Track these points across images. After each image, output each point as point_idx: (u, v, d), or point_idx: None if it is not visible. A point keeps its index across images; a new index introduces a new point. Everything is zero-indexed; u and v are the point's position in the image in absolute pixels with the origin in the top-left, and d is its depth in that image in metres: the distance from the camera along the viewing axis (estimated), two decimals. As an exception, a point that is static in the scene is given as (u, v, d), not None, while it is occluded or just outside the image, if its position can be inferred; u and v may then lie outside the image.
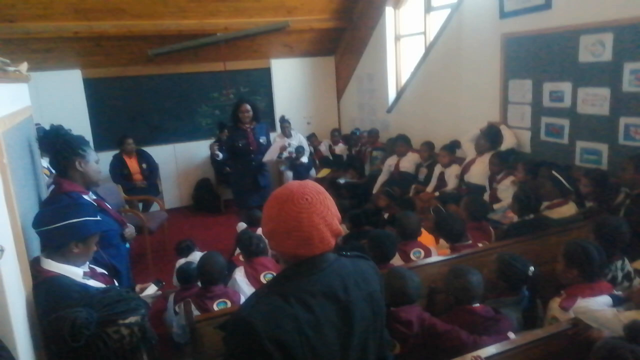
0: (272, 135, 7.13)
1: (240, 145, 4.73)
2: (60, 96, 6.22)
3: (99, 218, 2.18)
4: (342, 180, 6.46)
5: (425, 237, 3.46)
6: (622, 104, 3.60)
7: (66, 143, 2.61)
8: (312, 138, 7.57)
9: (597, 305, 2.11)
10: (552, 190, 3.74)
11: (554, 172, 3.74)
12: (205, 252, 3.57)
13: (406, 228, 3.29)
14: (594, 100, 3.81)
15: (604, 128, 3.76)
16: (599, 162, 3.82)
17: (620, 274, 2.71)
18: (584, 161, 3.96)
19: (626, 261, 2.76)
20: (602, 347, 1.57)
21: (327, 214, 1.23)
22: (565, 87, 4.04)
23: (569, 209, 3.65)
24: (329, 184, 6.28)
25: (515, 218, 3.60)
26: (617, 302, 2.18)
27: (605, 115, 3.73)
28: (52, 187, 2.71)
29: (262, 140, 4.91)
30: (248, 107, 4.76)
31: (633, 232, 2.78)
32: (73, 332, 0.97)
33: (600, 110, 3.77)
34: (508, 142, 4.56)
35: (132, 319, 1.06)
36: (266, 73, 7.50)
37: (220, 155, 4.72)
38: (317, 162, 7.42)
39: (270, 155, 5.03)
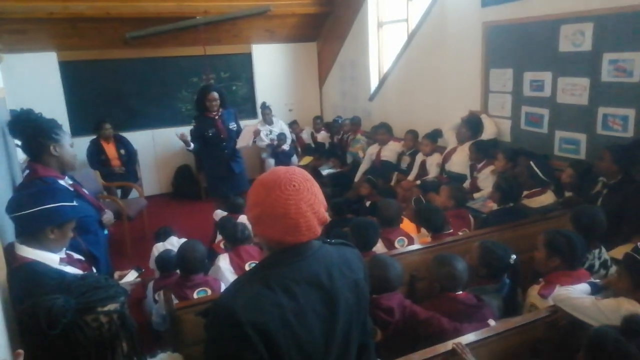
0: (254, 122, 7.10)
1: (210, 134, 4.63)
2: (35, 79, 6.05)
3: (75, 203, 2.13)
4: (324, 172, 6.44)
5: (407, 225, 3.47)
6: (601, 94, 3.64)
7: (39, 127, 2.54)
8: (293, 125, 7.52)
9: (576, 293, 2.14)
10: (529, 179, 3.79)
11: (531, 162, 3.79)
12: (184, 239, 3.54)
13: (387, 215, 3.30)
14: (574, 90, 3.85)
15: (582, 118, 3.81)
16: (577, 151, 3.87)
17: (597, 262, 2.76)
18: (562, 150, 4.01)
19: (603, 250, 2.81)
20: (590, 335, 1.61)
21: (314, 202, 1.21)
22: (546, 76, 4.07)
23: (547, 198, 3.70)
24: (311, 172, 6.25)
25: (495, 207, 3.64)
26: (595, 289, 2.21)
27: (584, 105, 3.77)
28: (27, 172, 2.63)
29: (232, 126, 4.83)
30: (216, 95, 4.62)
31: (609, 222, 2.83)
32: (49, 320, 0.95)
33: (579, 100, 3.81)
34: (489, 131, 4.59)
35: (111, 307, 1.04)
36: (247, 58, 7.40)
37: (192, 145, 4.61)
38: (299, 149, 7.40)
39: (244, 141, 4.96)
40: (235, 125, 4.89)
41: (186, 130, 6.70)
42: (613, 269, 2.77)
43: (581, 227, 2.66)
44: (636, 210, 3.15)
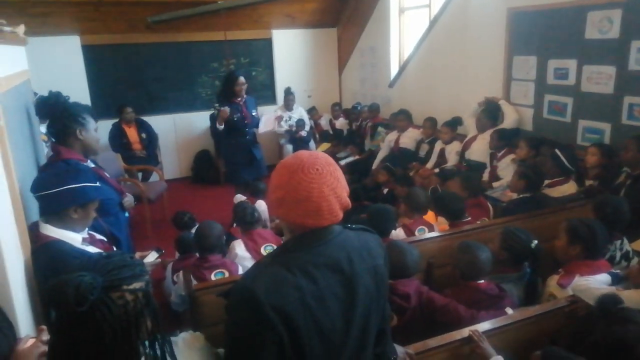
0: (273, 107, 7.11)
1: (235, 119, 4.66)
2: (58, 62, 6.11)
3: (98, 185, 2.17)
4: (342, 161, 6.41)
5: (429, 215, 3.46)
6: (628, 83, 3.55)
7: (66, 110, 2.57)
8: (312, 111, 7.50)
9: (597, 284, 2.12)
10: (553, 168, 3.73)
11: (556, 150, 3.72)
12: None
13: (416, 203, 3.30)
14: (599, 79, 3.76)
15: (607, 107, 3.73)
16: (601, 141, 3.79)
17: (618, 254, 2.72)
18: (585, 140, 3.93)
19: (625, 241, 2.77)
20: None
21: (337, 186, 1.21)
22: (570, 64, 3.98)
23: (569, 188, 3.64)
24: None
25: (515, 196, 3.60)
26: (616, 280, 2.18)
27: (610, 93, 3.69)
28: (50, 154, 2.68)
29: (254, 113, 4.88)
30: (244, 79, 4.68)
31: (633, 213, 2.78)
32: (77, 297, 0.96)
33: (604, 88, 3.73)
34: (510, 118, 4.52)
35: (136, 285, 1.05)
36: (267, 44, 7.38)
37: (222, 126, 4.62)
38: (317, 136, 7.39)
39: (267, 126, 4.98)
40: (255, 112, 4.93)
41: (207, 114, 6.83)
42: (635, 260, 2.73)
43: (604, 217, 2.62)
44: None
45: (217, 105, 4.78)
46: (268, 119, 5.03)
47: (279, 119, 5.92)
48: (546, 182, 3.67)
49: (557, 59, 4.10)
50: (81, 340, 1.01)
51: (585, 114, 3.93)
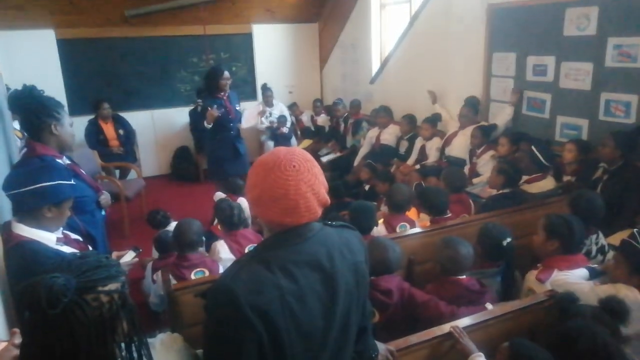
0: (253, 104, 7.06)
1: (219, 114, 4.61)
2: (32, 57, 5.96)
3: (73, 182, 2.11)
4: (324, 159, 6.40)
5: (410, 211, 3.46)
6: (604, 79, 3.61)
7: (41, 105, 2.51)
8: (293, 108, 7.47)
9: (575, 278, 2.15)
10: (530, 164, 3.78)
11: (532, 147, 3.77)
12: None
13: (397, 200, 3.29)
14: (577, 75, 3.81)
15: (585, 103, 3.78)
16: (579, 137, 3.84)
17: (594, 248, 2.77)
18: (563, 136, 3.99)
19: (600, 235, 2.82)
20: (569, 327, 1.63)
21: (314, 183, 1.20)
22: (549, 60, 4.03)
23: (547, 184, 3.70)
24: (311, 155, 6.24)
25: (494, 192, 3.63)
26: (594, 274, 2.22)
27: (587, 90, 3.74)
28: (24, 150, 2.61)
29: (238, 107, 4.84)
30: (228, 74, 4.64)
31: (609, 208, 2.83)
32: (50, 299, 0.93)
33: (582, 85, 3.78)
34: (505, 117, 4.48)
35: (111, 286, 1.02)
36: (247, 39, 7.31)
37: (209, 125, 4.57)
38: (299, 132, 7.36)
39: (250, 121, 4.94)
40: (239, 106, 4.88)
41: (186, 110, 6.76)
42: (610, 254, 2.77)
43: (579, 212, 2.66)
44: (636, 197, 3.15)
45: (199, 100, 4.71)
46: (250, 114, 4.99)
47: (262, 113, 5.88)
48: (524, 178, 3.71)
49: (536, 56, 4.15)
50: (54, 343, 0.98)
51: (564, 110, 3.99)
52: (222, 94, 4.62)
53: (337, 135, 6.81)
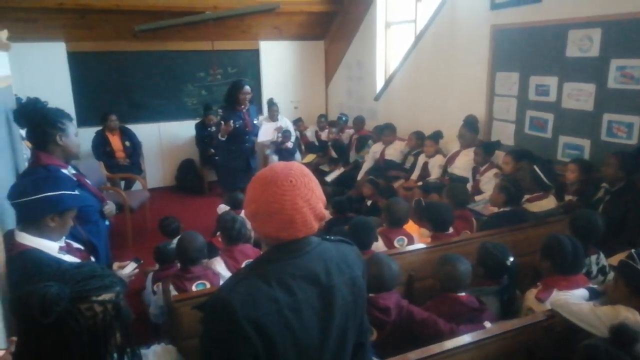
0: (260, 118, 7.12)
1: (237, 126, 4.70)
2: (43, 69, 6.06)
3: (77, 192, 2.14)
4: (329, 178, 6.40)
5: (409, 226, 3.47)
6: (607, 100, 3.62)
7: (45, 116, 2.54)
8: (298, 123, 7.51)
9: (574, 299, 2.13)
10: (531, 184, 3.77)
11: (535, 167, 3.77)
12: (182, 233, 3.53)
13: (395, 214, 3.29)
14: (579, 96, 3.84)
15: (587, 124, 3.79)
16: (581, 157, 3.84)
17: (595, 268, 2.75)
18: (565, 155, 3.99)
19: (601, 255, 2.81)
20: (582, 348, 1.59)
21: (311, 197, 1.20)
22: (552, 81, 4.06)
23: (549, 203, 3.69)
24: (314, 170, 6.27)
25: (496, 210, 3.63)
26: (594, 295, 2.20)
27: (589, 110, 3.76)
28: (30, 160, 2.65)
29: (256, 121, 4.93)
30: (249, 89, 4.77)
31: (610, 228, 2.82)
32: (43, 308, 0.94)
33: (584, 105, 3.80)
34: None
35: (106, 296, 1.03)
36: (254, 55, 7.40)
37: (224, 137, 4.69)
38: (303, 147, 7.39)
39: (267, 136, 5.03)
40: (257, 120, 4.98)
41: (192, 124, 6.83)
42: (611, 275, 2.76)
43: (578, 231, 2.66)
44: (637, 217, 3.15)
45: (219, 110, 4.82)
46: (268, 129, 5.09)
47: (279, 129, 5.96)
48: (526, 197, 3.71)
49: (539, 76, 4.18)
50: (47, 352, 0.98)
51: (566, 130, 4.00)
52: (242, 107, 4.72)
53: (337, 149, 6.80)
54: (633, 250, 2.07)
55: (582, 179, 3.62)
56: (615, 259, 2.86)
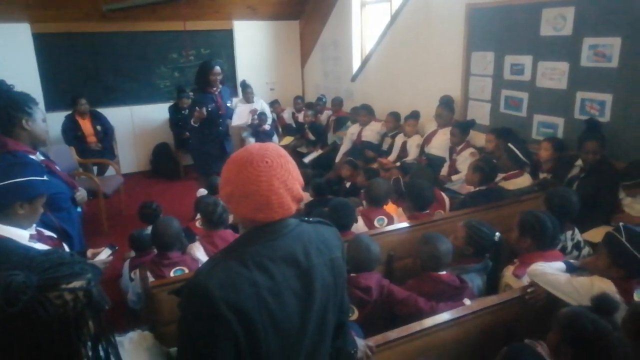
0: (234, 100, 7.01)
1: (209, 109, 4.55)
2: (6, 51, 5.83)
3: (46, 178, 2.07)
4: (306, 159, 6.37)
5: (389, 206, 3.48)
6: (580, 78, 3.67)
7: (10, 100, 2.45)
8: (275, 105, 7.44)
9: (551, 270, 2.18)
10: (507, 162, 3.82)
11: (509, 144, 3.81)
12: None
13: (375, 195, 3.29)
14: (553, 74, 3.87)
15: (560, 102, 3.84)
16: (555, 135, 3.90)
17: (570, 244, 2.81)
18: (540, 134, 4.04)
19: (576, 231, 2.87)
20: (565, 315, 1.62)
21: (288, 178, 1.19)
22: (526, 60, 4.08)
23: (524, 180, 3.75)
24: (292, 152, 6.23)
25: (472, 189, 3.67)
26: (571, 269, 2.25)
27: (563, 89, 3.80)
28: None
29: (229, 104, 4.79)
30: (219, 69, 4.58)
31: (584, 205, 2.88)
32: (7, 297, 0.90)
33: (558, 84, 3.84)
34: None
35: (76, 284, 0.99)
36: (228, 35, 7.26)
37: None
38: (280, 129, 7.33)
39: (242, 119, 4.90)
40: (230, 103, 4.84)
41: (165, 106, 6.68)
42: (586, 250, 2.83)
43: (554, 208, 2.70)
44: (611, 194, 3.22)
45: (190, 93, 4.65)
46: (242, 112, 4.96)
47: (254, 112, 5.86)
48: (502, 175, 3.76)
49: (514, 55, 4.20)
50: (15, 343, 0.94)
51: (540, 108, 4.04)
52: (214, 89, 4.57)
53: (314, 130, 6.77)
54: (621, 224, 2.12)
55: (556, 157, 3.68)
56: (590, 235, 2.94)
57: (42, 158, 2.66)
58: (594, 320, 1.52)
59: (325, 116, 6.86)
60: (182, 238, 2.91)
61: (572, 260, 2.38)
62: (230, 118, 4.85)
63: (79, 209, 2.85)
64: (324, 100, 6.93)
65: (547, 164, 3.73)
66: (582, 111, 3.68)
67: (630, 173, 3.09)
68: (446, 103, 4.75)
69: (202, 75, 4.54)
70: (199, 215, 3.65)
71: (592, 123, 3.42)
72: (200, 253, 2.94)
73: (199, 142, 4.78)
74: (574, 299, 2.01)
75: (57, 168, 2.81)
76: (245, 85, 6.76)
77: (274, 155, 1.19)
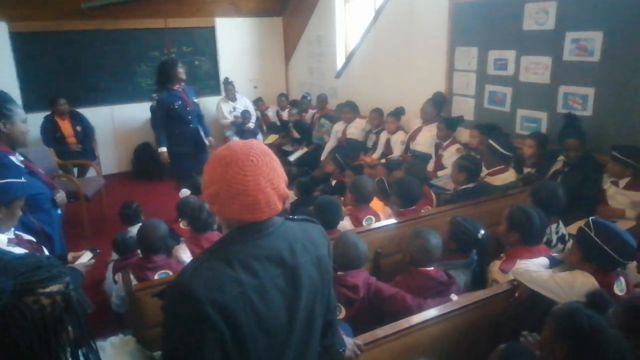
0: (217, 98, 6.96)
1: (176, 106, 4.45)
2: (-18, 51, 5.69)
3: (24, 180, 2.01)
4: (291, 157, 6.34)
5: (374, 203, 3.47)
6: (562, 72, 3.69)
7: None
8: (258, 102, 7.39)
9: (535, 267, 2.19)
10: (490, 158, 3.83)
11: (490, 141, 3.81)
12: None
13: (361, 192, 3.27)
14: (536, 69, 3.89)
15: (544, 97, 3.86)
16: (538, 130, 3.93)
17: (555, 237, 2.83)
18: (524, 129, 4.07)
19: (561, 224, 2.89)
20: (560, 311, 1.61)
21: (274, 177, 1.16)
22: (509, 55, 4.10)
23: (509, 176, 3.76)
24: (276, 151, 6.19)
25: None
26: (554, 263, 2.26)
27: (546, 83, 3.82)
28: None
29: (195, 100, 4.71)
30: (184, 67, 4.52)
31: (569, 198, 2.90)
32: None
33: (541, 78, 3.86)
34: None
35: (53, 288, 0.96)
36: (210, 32, 7.17)
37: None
38: (264, 127, 7.28)
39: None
40: (196, 99, 4.75)
41: (147, 106, 6.57)
42: (570, 243, 2.84)
43: (540, 202, 2.72)
44: (594, 187, 3.25)
45: (154, 95, 4.56)
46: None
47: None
48: (487, 171, 3.77)
49: (497, 50, 4.22)
50: None
51: (524, 103, 4.07)
52: (177, 86, 4.48)
53: (299, 128, 6.73)
54: (590, 218, 2.14)
55: (539, 152, 3.70)
56: (574, 227, 2.94)
57: (22, 158, 2.61)
58: (589, 316, 1.51)
59: (310, 115, 6.83)
60: (168, 242, 2.85)
61: (555, 254, 2.39)
62: (198, 115, 4.75)
63: (59, 211, 2.79)
64: (308, 98, 6.89)
65: (530, 159, 3.75)
66: (565, 105, 3.71)
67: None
68: (437, 101, 4.74)
69: (167, 73, 4.43)
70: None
71: (570, 117, 3.46)
72: (186, 255, 2.89)
73: (172, 143, 4.60)
74: (558, 295, 2.02)
75: (37, 169, 2.75)
76: (226, 82, 6.70)
77: (259, 153, 1.16)
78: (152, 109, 6.63)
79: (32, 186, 2.48)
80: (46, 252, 2.24)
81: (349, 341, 1.68)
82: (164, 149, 4.52)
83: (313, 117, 6.70)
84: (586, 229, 2.10)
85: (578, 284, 2.01)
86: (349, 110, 5.72)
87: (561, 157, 3.52)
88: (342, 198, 3.93)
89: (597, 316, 1.52)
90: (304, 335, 1.26)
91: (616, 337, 1.49)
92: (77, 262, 2.07)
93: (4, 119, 2.43)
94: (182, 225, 3.41)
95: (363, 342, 1.77)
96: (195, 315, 1.05)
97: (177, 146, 4.64)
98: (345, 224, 3.11)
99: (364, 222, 3.18)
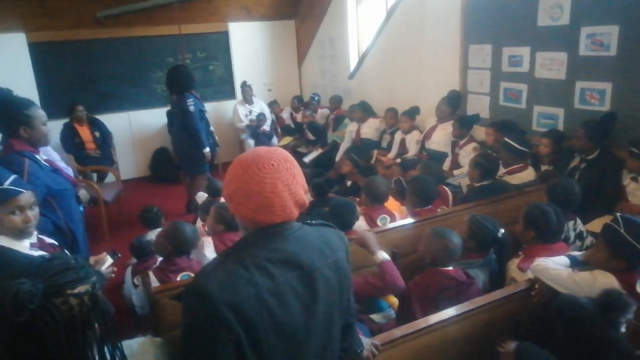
0: (232, 102, 7.03)
1: (205, 110, 4.67)
2: (2, 62, 5.81)
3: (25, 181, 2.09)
4: (307, 159, 6.36)
5: (390, 203, 3.46)
6: (578, 68, 3.64)
7: (6, 109, 2.50)
8: (273, 105, 7.43)
9: (554, 265, 2.16)
10: (507, 155, 3.79)
11: (506, 139, 3.78)
12: (169, 222, 3.43)
13: (375, 192, 3.27)
14: (551, 65, 3.85)
15: (560, 92, 3.82)
16: (555, 126, 3.88)
17: (572, 234, 2.80)
18: (540, 125, 4.02)
19: (578, 221, 2.85)
20: (557, 299, 1.60)
21: (292, 183, 1.19)
22: (524, 51, 4.06)
23: (528, 175, 3.70)
24: (291, 152, 6.19)
25: (474, 184, 3.64)
26: (575, 263, 2.21)
27: (562, 79, 3.78)
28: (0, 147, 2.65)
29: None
30: None
31: (587, 195, 2.86)
32: (15, 306, 0.90)
33: (557, 74, 3.82)
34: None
35: (81, 288, 0.99)
36: (224, 37, 7.24)
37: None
38: (279, 130, 7.32)
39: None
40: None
41: (163, 111, 6.67)
42: (589, 240, 2.81)
43: (556, 199, 2.69)
44: (612, 184, 3.20)
45: (190, 100, 4.71)
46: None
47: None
48: (505, 169, 3.73)
49: (511, 47, 4.18)
50: (24, 350, 0.94)
51: (540, 99, 4.02)
52: (194, 91, 4.66)
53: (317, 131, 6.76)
54: (618, 214, 2.09)
55: (556, 150, 3.66)
56: (592, 225, 2.91)
57: (45, 157, 2.72)
58: (579, 306, 1.50)
59: (320, 115, 6.83)
60: (194, 243, 2.88)
61: (575, 253, 2.35)
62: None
63: (81, 208, 2.87)
64: (316, 98, 6.92)
65: (547, 157, 3.71)
66: (582, 101, 3.66)
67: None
68: (451, 99, 4.71)
69: (191, 77, 4.62)
70: (199, 220, 3.65)
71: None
72: (209, 250, 2.94)
73: (197, 146, 4.78)
74: (577, 294, 1.98)
75: (59, 165, 2.86)
76: (244, 85, 6.78)
77: (281, 158, 1.20)
78: (168, 114, 6.73)
79: (58, 182, 2.58)
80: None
81: (366, 341, 1.69)
82: (207, 150, 4.82)
83: (327, 118, 6.71)
84: (614, 225, 2.04)
85: (598, 283, 1.95)
86: (360, 110, 5.71)
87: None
88: (358, 199, 3.93)
89: (588, 308, 1.52)
90: (324, 340, 1.26)
91: (606, 331, 1.49)
92: (102, 268, 2.10)
93: (23, 125, 2.52)
94: (206, 229, 3.43)
95: (380, 342, 1.78)
96: (210, 316, 1.07)
97: (212, 146, 4.94)
98: (361, 224, 3.11)
99: (378, 222, 3.17)
